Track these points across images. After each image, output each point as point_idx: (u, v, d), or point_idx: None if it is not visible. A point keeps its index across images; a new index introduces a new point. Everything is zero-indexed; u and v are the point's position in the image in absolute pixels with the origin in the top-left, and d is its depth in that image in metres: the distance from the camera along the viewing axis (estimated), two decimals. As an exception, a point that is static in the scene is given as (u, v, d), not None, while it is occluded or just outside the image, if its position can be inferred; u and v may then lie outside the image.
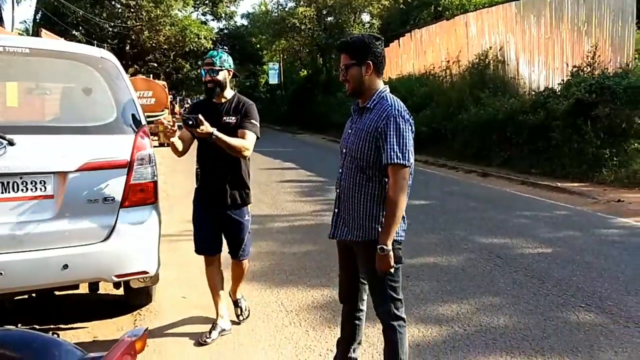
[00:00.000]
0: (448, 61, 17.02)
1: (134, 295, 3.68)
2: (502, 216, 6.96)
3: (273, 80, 36.86)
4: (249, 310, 3.61)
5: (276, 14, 30.75)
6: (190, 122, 2.92)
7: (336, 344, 2.78)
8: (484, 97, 13.21)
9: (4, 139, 2.72)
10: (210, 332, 3.28)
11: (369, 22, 28.95)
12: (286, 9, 29.97)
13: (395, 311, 2.43)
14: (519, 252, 5.25)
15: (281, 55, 35.59)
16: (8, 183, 2.78)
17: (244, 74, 40.52)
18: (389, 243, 2.26)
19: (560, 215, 7.10)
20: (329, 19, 28.61)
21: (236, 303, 3.59)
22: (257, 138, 3.23)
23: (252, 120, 3.21)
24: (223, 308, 3.40)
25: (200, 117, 2.93)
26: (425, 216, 6.86)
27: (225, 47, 36.56)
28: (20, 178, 2.81)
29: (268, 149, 15.74)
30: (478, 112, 12.82)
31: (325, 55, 29.22)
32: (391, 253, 2.27)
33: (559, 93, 11.66)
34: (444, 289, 4.22)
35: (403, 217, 2.41)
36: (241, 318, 3.55)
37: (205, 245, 3.35)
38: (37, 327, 3.37)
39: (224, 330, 3.33)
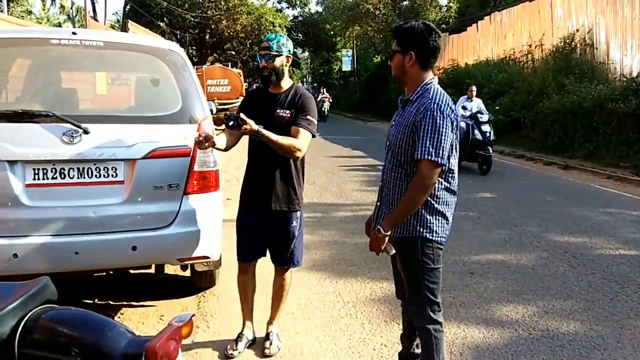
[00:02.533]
0: (530, 45, 16.06)
1: (199, 278, 3.83)
2: (582, 212, 6.50)
3: (346, 67, 36.74)
4: (279, 348, 3.07)
5: (350, 0, 30.51)
6: (232, 123, 2.65)
7: (400, 339, 2.74)
8: (568, 83, 12.35)
9: (80, 127, 2.91)
10: (236, 343, 3.04)
11: (446, 5, 27.98)
12: (361, -5, 29.66)
13: (432, 314, 2.32)
14: (597, 252, 4.88)
15: (355, 42, 35.32)
16: (83, 169, 2.97)
17: (318, 61, 40.71)
18: (388, 230, 2.22)
19: (650, 213, 6.52)
20: (404, 3, 28.02)
21: (267, 335, 3.11)
22: (313, 137, 2.89)
23: (308, 117, 2.86)
24: (250, 319, 3.17)
25: (242, 116, 2.65)
26: (497, 210, 6.57)
27: (299, 35, 36.91)
28: (94, 164, 2.99)
29: (338, 136, 15.76)
30: (562, 99, 12.01)
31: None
32: (386, 239, 2.23)
33: (654, 79, 10.64)
34: (511, 288, 4.02)
35: (447, 218, 2.30)
36: (267, 352, 3.02)
37: (244, 251, 3.06)
38: (112, 303, 3.63)
39: (250, 341, 3.11)
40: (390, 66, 2.33)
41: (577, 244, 5.17)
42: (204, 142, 2.62)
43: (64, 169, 2.94)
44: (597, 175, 9.49)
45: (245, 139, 2.96)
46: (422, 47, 2.23)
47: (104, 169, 3.01)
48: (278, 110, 2.88)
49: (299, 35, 38.28)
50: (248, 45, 33.99)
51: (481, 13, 22.09)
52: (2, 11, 8.80)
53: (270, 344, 3.07)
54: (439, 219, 2.27)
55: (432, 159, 2.12)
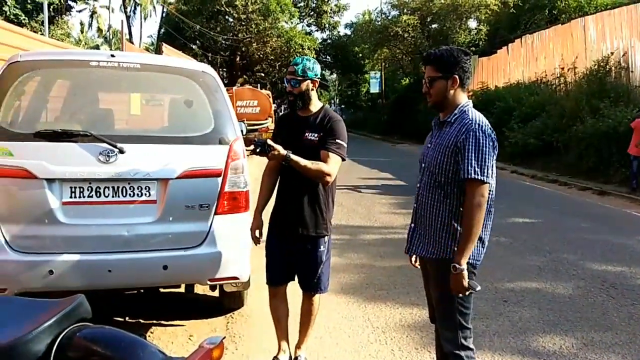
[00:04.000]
0: (562, 68, 15.82)
1: (228, 299, 3.81)
2: (620, 240, 6.26)
3: (374, 89, 36.92)
4: None
5: (379, 23, 30.79)
6: (259, 150, 2.66)
7: None
8: (603, 107, 12.08)
9: (116, 147, 2.97)
10: None
11: (475, 29, 27.92)
12: (389, 18, 29.91)
13: (463, 340, 2.27)
14: (638, 282, 4.67)
15: (383, 64, 35.52)
16: (118, 188, 3.02)
17: (346, 83, 41.00)
18: (463, 262, 2.15)
19: (693, 242, 6.23)
20: (433, 26, 28.07)
21: (296, 359, 3.09)
22: (343, 160, 2.86)
23: (337, 140, 2.82)
24: (285, 343, 3.09)
25: (269, 141, 2.67)
26: (530, 235, 6.39)
27: (327, 57, 37.33)
28: (129, 183, 3.04)
29: (366, 158, 15.74)
30: (596, 123, 11.74)
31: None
32: (465, 273, 2.14)
33: (694, 103, 10.30)
34: (547, 318, 3.87)
35: (482, 241, 2.27)
36: None
37: (271, 275, 3.03)
38: (142, 321, 3.64)
39: None
40: (427, 92, 2.33)
41: (615, 273, 4.96)
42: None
43: (100, 188, 2.99)
44: (634, 201, 9.17)
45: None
46: (465, 70, 2.27)
47: (137, 188, 3.06)
48: (307, 134, 2.86)
49: (328, 57, 38.70)
50: (277, 67, 34.52)
51: (512, 36, 21.95)
52: (43, 34, 9.19)
53: None
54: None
55: (479, 177, 2.13)
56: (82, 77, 3.34)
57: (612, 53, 13.76)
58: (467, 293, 2.18)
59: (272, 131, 3.21)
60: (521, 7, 23.83)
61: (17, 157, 2.88)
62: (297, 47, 31.25)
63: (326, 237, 2.96)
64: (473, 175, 2.13)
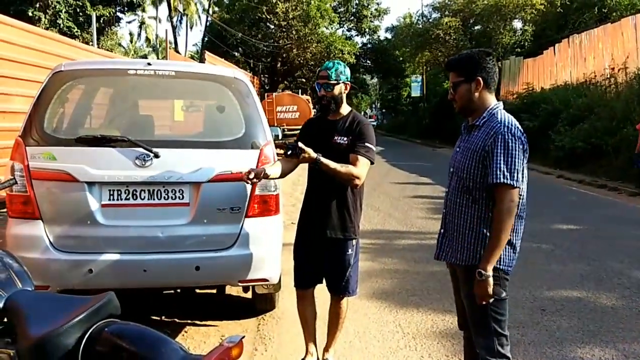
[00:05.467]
0: (612, 68, 15.16)
1: (259, 301, 3.87)
2: (672, 248, 5.94)
3: (415, 92, 36.55)
4: None
5: (420, 26, 30.50)
6: (290, 152, 2.69)
7: None
8: (656, 108, 11.50)
9: (151, 152, 3.08)
10: None
11: (520, 29, 27.19)
12: (430, 20, 29.58)
13: (499, 348, 2.20)
14: (689, 293, 4.42)
15: (424, 67, 35.11)
16: (153, 190, 3.14)
17: (386, 87, 40.76)
18: (489, 269, 2.11)
19: None
20: (476, 27, 27.55)
21: None
22: (372, 163, 2.87)
23: (366, 144, 2.84)
24: (312, 346, 3.11)
25: (301, 144, 2.67)
26: (573, 242, 6.15)
27: (367, 61, 37.25)
28: (163, 187, 3.15)
29: (405, 162, 15.59)
30: (648, 126, 11.16)
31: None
32: (490, 280, 2.10)
33: None
34: (587, 328, 3.71)
35: (514, 247, 2.21)
36: None
37: (299, 278, 3.06)
38: (177, 320, 3.75)
39: None
40: (453, 99, 2.31)
41: (665, 282, 4.71)
42: (250, 180, 2.72)
43: (136, 191, 3.12)
44: (690, 207, 8.68)
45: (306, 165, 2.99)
46: (488, 71, 2.23)
47: (171, 191, 3.16)
48: (336, 137, 2.89)
49: (368, 61, 38.67)
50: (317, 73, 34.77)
51: (558, 36, 21.25)
52: (92, 44, 9.66)
53: None
54: (506, 247, 2.17)
55: (508, 182, 2.08)
56: (120, 84, 3.49)
57: (666, 52, 13.10)
58: (491, 300, 2.14)
59: None
60: (569, 5, 23.03)
61: (59, 161, 3.05)
62: (337, 52, 31.38)
63: (354, 240, 2.96)
64: (502, 180, 2.08)
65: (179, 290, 3.74)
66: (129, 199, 3.12)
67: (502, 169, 2.08)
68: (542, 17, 24.76)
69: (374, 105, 63.43)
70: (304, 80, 34.98)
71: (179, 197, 3.17)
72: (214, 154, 3.22)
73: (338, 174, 2.75)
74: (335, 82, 2.88)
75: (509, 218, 2.10)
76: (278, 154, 3.38)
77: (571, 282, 4.74)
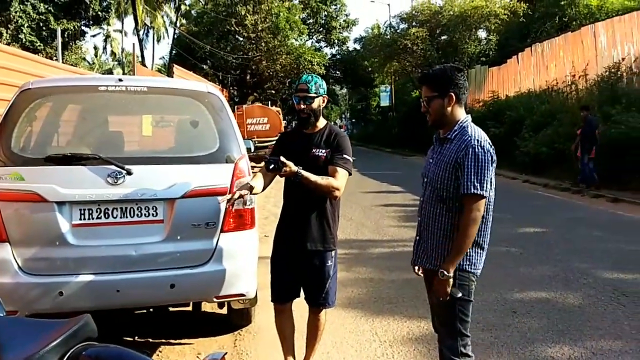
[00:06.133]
0: (573, 76, 15.75)
1: (236, 316, 3.85)
2: (632, 248, 6.19)
3: (384, 102, 37.06)
4: None
5: (388, 37, 30.98)
6: (272, 166, 2.70)
7: None
8: (615, 113, 11.97)
9: (123, 169, 3.06)
10: None
11: (485, 39, 27.94)
12: (398, 31, 30.09)
13: (462, 349, 2.34)
14: (651, 290, 4.62)
15: (393, 77, 35.64)
16: (126, 208, 3.11)
17: (356, 97, 41.17)
18: (451, 270, 2.26)
19: None
20: (442, 37, 28.16)
21: None
22: (350, 174, 2.92)
23: (344, 155, 2.88)
24: (291, 358, 3.11)
25: (282, 158, 2.69)
26: (540, 245, 6.34)
27: (337, 72, 37.61)
28: (136, 204, 3.12)
29: (376, 171, 15.75)
30: (608, 130, 11.62)
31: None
32: (450, 281, 2.25)
33: None
34: (556, 328, 3.84)
35: (482, 248, 2.35)
36: None
37: (277, 292, 3.03)
38: (151, 340, 3.69)
39: None
40: (427, 112, 2.41)
41: (627, 281, 4.90)
42: (234, 201, 2.75)
43: (108, 209, 3.08)
44: (649, 208, 9.05)
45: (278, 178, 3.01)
46: (460, 87, 2.34)
47: (145, 209, 3.13)
48: (314, 150, 2.90)
49: (337, 72, 39.04)
50: (287, 84, 34.88)
51: (522, 45, 21.92)
52: (57, 59, 9.47)
53: None
54: (476, 250, 2.32)
55: (478, 192, 2.21)
56: (91, 101, 3.46)
57: (623, 59, 13.70)
58: (447, 298, 2.27)
59: None
60: (531, 15, 23.82)
61: (28, 181, 2.98)
62: (306, 63, 31.57)
63: (333, 252, 2.99)
64: (473, 190, 2.21)
65: (151, 310, 3.68)
66: (100, 218, 3.08)
67: (472, 180, 2.21)
68: (505, 27, 25.53)
69: (343, 116, 63.91)
70: (273, 91, 35.01)
71: (153, 214, 3.14)
72: (188, 169, 3.21)
73: (319, 186, 2.78)
74: (315, 95, 2.90)
75: (474, 225, 2.23)
76: (252, 167, 3.40)
77: (540, 283, 4.89)
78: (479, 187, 2.21)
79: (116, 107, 3.57)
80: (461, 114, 2.37)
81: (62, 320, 1.85)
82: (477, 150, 2.24)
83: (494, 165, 2.28)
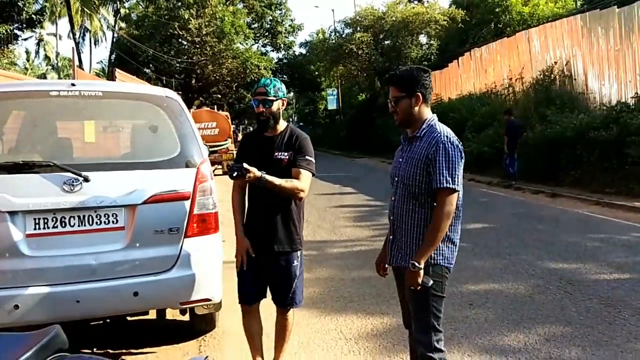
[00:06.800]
0: (510, 79, 16.61)
1: (199, 321, 3.78)
2: (574, 239, 6.60)
3: (332, 105, 37.48)
4: None
5: (333, 41, 31.35)
6: (235, 174, 2.68)
7: None
8: (550, 114, 12.71)
9: (80, 176, 2.95)
10: None
11: (426, 44, 28.85)
12: (343, 36, 30.52)
13: (435, 343, 2.39)
14: (592, 278, 4.94)
15: (339, 81, 36.12)
16: (84, 216, 3.00)
17: (303, 100, 41.31)
18: (422, 262, 2.31)
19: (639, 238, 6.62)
20: (386, 42, 28.82)
21: None
22: (313, 175, 2.95)
23: (306, 157, 2.90)
24: (261, 357, 3.10)
25: (245, 165, 2.67)
26: (489, 240, 6.63)
27: (284, 76, 37.64)
28: (95, 212, 3.01)
29: (327, 174, 15.88)
30: (544, 130, 12.33)
31: (383, 79, 29.29)
32: (421, 272, 2.31)
33: (633, 107, 11.02)
34: (510, 317, 4.04)
35: (454, 243, 2.42)
36: None
37: (244, 293, 3.00)
38: (111, 351, 3.58)
39: None
40: (394, 111, 2.46)
41: (571, 270, 5.23)
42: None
43: (65, 218, 2.96)
44: (584, 202, 9.66)
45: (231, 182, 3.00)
46: (426, 87, 2.41)
47: (104, 216, 3.04)
48: (276, 153, 2.91)
49: (284, 76, 39.00)
50: (234, 88, 34.55)
51: (461, 49, 22.84)
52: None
53: None
54: (448, 245, 2.39)
55: (450, 186, 2.28)
56: (42, 107, 3.30)
57: (555, 62, 14.55)
58: (418, 287, 2.32)
59: (232, 152, 3.22)
60: (468, 21, 24.89)
61: None
62: (253, 67, 31.40)
63: (299, 252, 3.01)
64: (445, 184, 2.28)
65: (108, 320, 3.55)
66: (57, 227, 2.95)
67: (444, 174, 2.28)
68: (445, 33, 26.53)
69: (291, 119, 64.04)
70: (219, 96, 34.56)
71: (113, 222, 3.05)
72: (148, 174, 3.14)
73: (283, 189, 2.80)
74: (274, 98, 2.90)
75: (447, 219, 2.30)
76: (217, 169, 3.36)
77: (492, 276, 5.12)
78: (450, 181, 2.28)
79: (70, 113, 3.44)
80: (428, 113, 2.45)
81: (30, 332, 1.77)
82: (447, 146, 2.31)
83: (463, 161, 2.36)
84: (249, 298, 3.03)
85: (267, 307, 3.16)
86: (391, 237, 2.55)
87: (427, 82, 2.42)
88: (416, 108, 2.41)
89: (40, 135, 3.39)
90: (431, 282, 2.33)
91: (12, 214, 2.85)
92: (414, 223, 2.40)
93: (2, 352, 1.68)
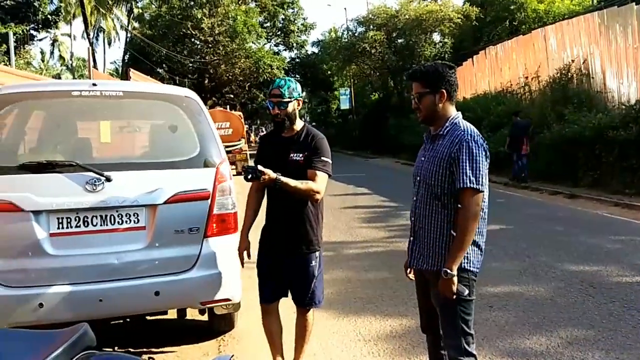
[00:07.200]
0: (526, 77, 16.44)
1: (218, 321, 3.79)
2: (594, 241, 6.50)
3: (344, 105, 37.36)
4: None
5: (346, 40, 31.30)
6: (250, 176, 2.69)
7: None
8: (567, 113, 12.54)
9: (103, 175, 2.97)
10: None
11: (440, 42, 28.65)
12: (356, 34, 30.44)
13: (466, 346, 2.32)
14: (614, 280, 4.86)
15: (352, 80, 36.02)
16: (106, 216, 3.02)
17: (316, 100, 41.28)
18: (454, 268, 2.23)
19: (661, 239, 6.51)
20: (399, 41, 28.69)
21: None
22: (330, 176, 2.93)
23: (322, 158, 2.88)
24: (281, 356, 3.09)
25: (260, 167, 2.69)
26: (507, 241, 6.55)
27: (297, 76, 37.69)
28: (117, 211, 3.03)
29: (341, 174, 15.84)
30: (562, 129, 12.16)
31: (396, 78, 29.22)
32: (455, 279, 2.22)
33: (653, 106, 10.83)
34: (531, 320, 3.98)
35: (480, 247, 2.34)
36: None
37: (264, 293, 3.03)
38: (132, 350, 3.60)
39: None
40: (417, 108, 2.41)
41: (592, 272, 5.15)
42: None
43: (87, 217, 2.98)
44: (603, 203, 9.51)
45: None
46: (451, 83, 2.36)
47: (126, 216, 3.05)
48: (292, 155, 2.89)
49: (297, 76, 39.05)
50: (247, 88, 34.61)
51: (476, 48, 22.64)
52: (8, 64, 9.04)
53: None
54: (473, 249, 2.30)
55: (474, 186, 2.20)
56: (64, 107, 3.33)
57: (572, 61, 14.34)
58: (454, 297, 2.24)
59: (245, 152, 3.23)
60: (483, 19, 24.64)
61: (2, 190, 2.85)
62: (266, 67, 31.44)
63: (317, 252, 2.99)
64: (468, 184, 2.20)
65: (128, 319, 3.57)
66: (79, 227, 2.98)
67: (468, 174, 2.21)
68: (459, 30, 26.29)
69: (303, 119, 64.06)
70: (232, 96, 34.68)
71: (134, 221, 3.07)
72: (169, 174, 3.15)
73: (298, 191, 2.78)
74: (289, 99, 2.88)
75: (474, 221, 2.23)
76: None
77: (512, 278, 5.06)
78: (474, 181, 2.20)
79: (91, 113, 3.46)
80: (452, 110, 2.38)
81: (59, 330, 1.79)
82: (470, 144, 2.24)
83: (488, 160, 2.29)
84: (269, 297, 3.03)
85: (289, 308, 3.15)
86: (412, 238, 2.50)
87: (452, 79, 2.36)
88: (440, 105, 2.35)
89: (61, 135, 3.42)
90: (467, 291, 2.26)
91: (36, 213, 2.88)
92: (436, 224, 2.34)
93: (32, 349, 1.70)
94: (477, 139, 2.28)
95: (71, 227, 2.96)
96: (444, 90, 2.34)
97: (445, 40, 27.76)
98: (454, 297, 2.24)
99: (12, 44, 8.60)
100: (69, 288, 2.89)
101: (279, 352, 3.10)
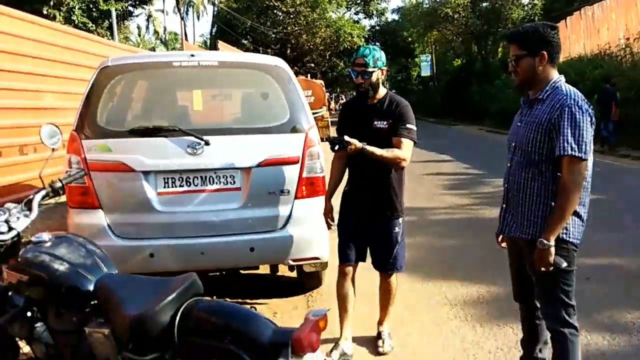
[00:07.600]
0: (627, 39, 14.98)
1: (307, 278, 3.95)
2: None
3: (425, 72, 36.32)
4: (391, 347, 3.12)
5: (427, 6, 30.14)
6: (337, 147, 2.74)
7: (520, 344, 2.67)
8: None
9: (202, 139, 3.17)
10: (331, 351, 2.98)
11: (529, 3, 26.73)
12: (438, 0, 29.20)
13: (567, 317, 2.23)
14: None
15: (433, 47, 34.78)
16: (206, 177, 3.24)
17: (396, 67, 40.41)
18: (552, 239, 2.11)
19: None
20: (484, 4, 27.16)
21: (379, 334, 3.19)
22: (415, 143, 2.92)
23: (407, 125, 2.86)
24: (348, 329, 3.09)
25: (347, 138, 2.71)
26: (608, 212, 6.15)
27: (377, 43, 37.00)
28: (215, 173, 3.25)
29: (423, 140, 15.53)
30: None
31: (481, 43, 27.81)
32: (552, 250, 2.11)
33: None
34: (633, 294, 3.77)
35: (581, 218, 2.21)
36: (381, 349, 3.09)
37: (344, 253, 3.04)
38: (228, 299, 3.86)
39: (345, 354, 2.99)
40: (514, 71, 2.28)
41: (703, 246, 4.74)
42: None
43: (190, 178, 3.22)
44: None
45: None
46: (553, 45, 2.21)
47: (223, 177, 3.26)
48: (376, 122, 2.90)
49: (377, 43, 38.34)
50: (327, 57, 34.61)
51: (568, 9, 20.90)
52: (111, 39, 9.72)
53: (383, 342, 3.12)
54: (573, 219, 2.18)
55: (576, 154, 2.07)
56: (166, 76, 3.57)
57: (684, 18, 12.88)
58: (551, 268, 2.14)
59: (327, 120, 3.32)
60: (579, -24, 22.62)
61: (115, 152, 3.15)
62: (346, 35, 31.19)
63: (400, 219, 3.03)
64: (570, 152, 2.07)
65: (224, 272, 3.82)
66: (183, 186, 3.23)
67: (569, 141, 2.07)
68: (551, -10, 24.37)
69: (384, 86, 63.17)
70: (313, 65, 34.88)
71: (231, 183, 3.27)
72: (261, 139, 3.30)
73: (385, 159, 2.81)
74: (373, 69, 2.86)
75: (576, 190, 2.10)
76: None
77: (610, 250, 4.78)
78: (577, 149, 2.05)
79: (190, 82, 3.68)
80: (553, 74, 2.23)
81: (172, 277, 1.99)
82: (574, 109, 2.08)
83: (593, 127, 2.13)
84: (348, 257, 3.04)
85: (367, 272, 3.21)
86: (504, 205, 2.42)
87: (554, 40, 2.20)
88: (540, 68, 2.20)
89: (167, 103, 3.69)
90: (565, 264, 2.14)
91: (146, 173, 3.16)
92: (532, 192, 2.23)
93: (152, 292, 1.91)
94: (582, 104, 2.12)
95: (175, 186, 3.21)
96: (544, 53, 2.19)
97: (535, 1, 25.85)
98: (551, 268, 2.15)
99: (114, 20, 9.19)
100: (175, 241, 3.17)
101: (348, 317, 3.09)
